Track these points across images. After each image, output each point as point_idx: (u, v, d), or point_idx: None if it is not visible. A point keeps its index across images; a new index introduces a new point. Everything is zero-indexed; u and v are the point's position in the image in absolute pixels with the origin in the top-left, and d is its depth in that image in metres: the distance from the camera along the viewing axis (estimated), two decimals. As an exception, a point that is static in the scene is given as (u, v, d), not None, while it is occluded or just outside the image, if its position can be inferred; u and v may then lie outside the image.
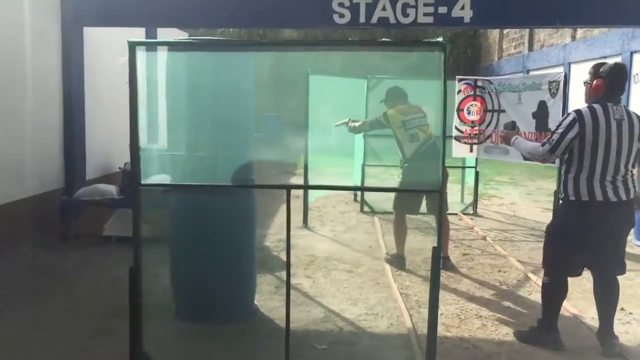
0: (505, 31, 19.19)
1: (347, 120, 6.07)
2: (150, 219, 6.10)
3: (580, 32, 13.67)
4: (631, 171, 3.52)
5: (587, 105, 3.57)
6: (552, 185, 9.88)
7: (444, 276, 5.27)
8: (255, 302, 4.34)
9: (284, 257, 5.91)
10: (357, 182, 8.72)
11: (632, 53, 10.92)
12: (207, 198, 3.44)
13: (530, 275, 5.27)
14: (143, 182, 2.90)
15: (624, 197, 3.45)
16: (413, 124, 5.58)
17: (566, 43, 14.21)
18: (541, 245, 6.80)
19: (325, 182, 9.82)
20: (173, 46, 3.05)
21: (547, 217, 7.98)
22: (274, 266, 5.51)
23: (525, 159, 4.68)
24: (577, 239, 3.53)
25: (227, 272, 3.81)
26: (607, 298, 3.64)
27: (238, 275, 3.90)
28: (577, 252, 3.57)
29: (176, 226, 3.90)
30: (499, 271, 5.47)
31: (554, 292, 3.70)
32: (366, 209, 8.40)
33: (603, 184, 3.43)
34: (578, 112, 3.49)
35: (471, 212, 8.37)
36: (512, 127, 4.20)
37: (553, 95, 6.98)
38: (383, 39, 2.87)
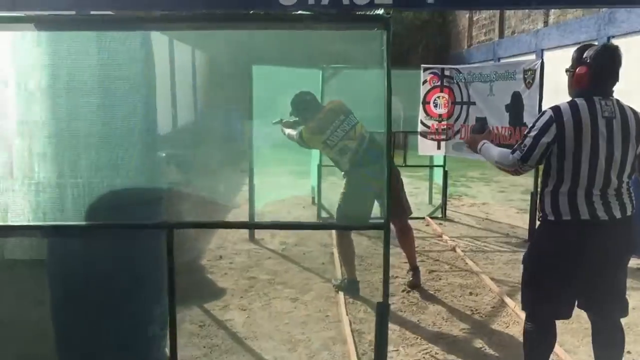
0: (475, 17, 18.48)
1: (279, 120, 5.20)
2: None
3: (553, 16, 12.97)
4: (627, 182, 2.72)
5: (570, 100, 2.77)
6: (526, 182, 9.17)
7: (406, 303, 4.46)
8: (167, 350, 3.44)
9: (220, 280, 5.07)
10: (316, 184, 7.85)
11: (609, 38, 10.24)
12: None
13: (507, 299, 4.47)
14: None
15: (618, 215, 2.66)
16: (336, 137, 4.57)
17: (538, 29, 13.51)
18: (517, 256, 6.12)
19: (279, 183, 9.00)
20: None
21: (523, 220, 7.25)
22: (205, 294, 4.62)
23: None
24: (561, 271, 2.72)
25: (115, 323, 2.91)
26: (607, 350, 2.83)
27: (131, 326, 3.00)
28: (564, 288, 2.75)
29: (51, 268, 2.97)
30: (471, 294, 4.67)
31: (539, 341, 2.88)
32: (324, 214, 7.53)
33: (590, 199, 2.63)
34: (555, 109, 2.68)
35: (440, 215, 7.57)
36: (480, 129, 3.35)
37: (528, 85, 6.20)
38: (301, 12, 2.03)
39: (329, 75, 7.37)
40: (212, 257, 5.62)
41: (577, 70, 2.76)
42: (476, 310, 4.33)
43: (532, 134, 2.72)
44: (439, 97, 7.20)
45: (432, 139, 7.23)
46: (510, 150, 2.85)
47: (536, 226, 2.92)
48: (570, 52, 2.85)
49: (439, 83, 7.17)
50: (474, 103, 6.90)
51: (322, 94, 7.27)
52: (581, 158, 2.63)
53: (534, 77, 6.13)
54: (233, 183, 8.74)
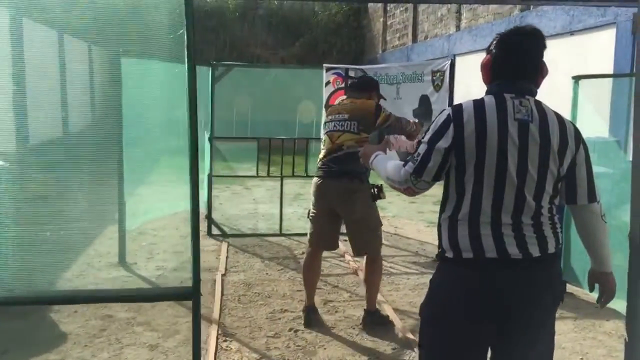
0: (389, 22, 18.14)
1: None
2: None
3: (465, 21, 12.73)
4: (551, 209, 2.02)
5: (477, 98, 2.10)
6: (439, 192, 8.70)
7: (292, 347, 3.68)
8: None
9: (65, 322, 3.89)
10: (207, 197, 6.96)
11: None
12: None
13: (411, 337, 3.80)
14: None
15: (535, 253, 1.96)
16: (328, 127, 4.03)
17: (450, 33, 13.24)
18: (424, 280, 5.44)
19: (173, 194, 8.02)
20: None
21: (432, 235, 6.68)
22: (39, 342, 3.64)
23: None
24: (463, 329, 2.00)
25: None
26: None
27: None
28: (469, 352, 2.04)
29: None
30: (369, 332, 3.94)
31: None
32: (216, 230, 6.66)
33: (497, 230, 1.95)
34: (455, 107, 2.04)
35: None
36: (377, 139, 2.63)
37: (437, 88, 5.64)
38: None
39: (220, 73, 6.52)
40: (67, 288, 4.61)
41: (482, 60, 2.13)
42: (375, 353, 3.61)
43: (427, 138, 2.04)
44: (343, 99, 6.52)
45: (336, 147, 6.55)
46: (403, 163, 2.13)
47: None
48: (482, 57, 2.20)
49: (342, 85, 6.50)
50: (380, 107, 6.27)
51: (212, 93, 6.44)
52: (484, 170, 1.94)
53: (442, 79, 5.58)
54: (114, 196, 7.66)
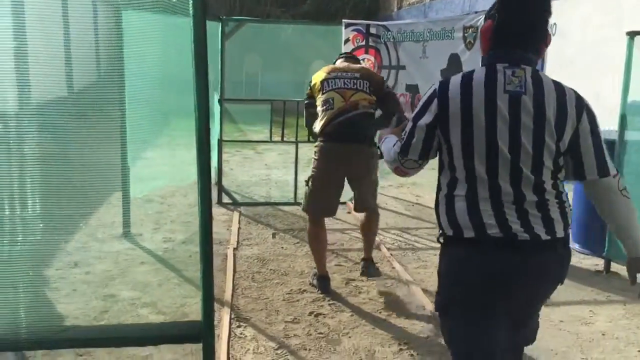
0: (405, -22, 17.32)
1: None
2: None
3: (487, -24, 12.00)
4: (557, 185, 1.84)
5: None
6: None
7: (313, 335, 3.31)
8: None
9: (63, 302, 3.60)
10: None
11: None
12: None
13: (445, 324, 3.42)
14: None
15: (543, 235, 1.78)
16: (335, 83, 3.79)
17: (472, -10, 12.53)
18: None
19: (185, 159, 7.62)
20: None
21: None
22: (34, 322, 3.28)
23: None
24: (477, 314, 1.85)
25: None
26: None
27: None
28: (492, 335, 1.86)
29: None
30: (399, 316, 3.57)
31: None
32: (226, 198, 6.27)
33: (499, 207, 1.79)
34: (443, 81, 1.95)
35: (363, 199, 6.46)
36: (396, 124, 2.49)
37: (469, 46, 5.14)
38: None
39: (231, 29, 6.02)
40: (65, 263, 4.25)
41: (482, 26, 1.97)
42: (406, 343, 3.22)
43: (413, 114, 1.99)
44: (363, 59, 6.02)
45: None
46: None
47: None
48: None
49: (363, 42, 6.01)
50: (404, 67, 5.79)
51: (222, 51, 5.95)
52: (474, 149, 1.81)
53: (476, 35, 5.06)
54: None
